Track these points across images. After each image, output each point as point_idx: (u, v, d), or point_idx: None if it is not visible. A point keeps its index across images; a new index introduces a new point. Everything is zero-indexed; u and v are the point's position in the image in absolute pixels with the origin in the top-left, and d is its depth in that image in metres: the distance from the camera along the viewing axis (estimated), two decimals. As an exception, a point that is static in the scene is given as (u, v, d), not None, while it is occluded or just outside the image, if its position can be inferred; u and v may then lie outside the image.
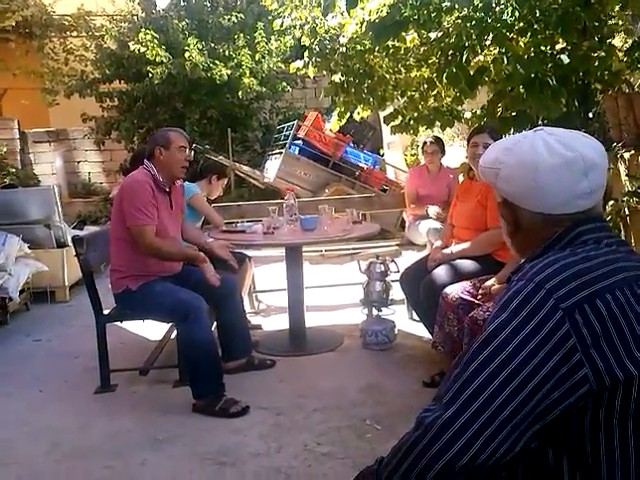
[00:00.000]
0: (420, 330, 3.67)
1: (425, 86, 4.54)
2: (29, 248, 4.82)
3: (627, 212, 3.48)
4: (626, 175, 3.50)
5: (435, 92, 4.52)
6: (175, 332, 3.15)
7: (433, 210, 4.46)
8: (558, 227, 1.03)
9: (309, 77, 5.53)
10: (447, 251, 3.29)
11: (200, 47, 8.60)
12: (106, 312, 3.18)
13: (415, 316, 3.82)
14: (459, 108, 4.52)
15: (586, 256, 0.96)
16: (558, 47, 3.74)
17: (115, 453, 2.52)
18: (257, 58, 9.04)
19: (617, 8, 3.75)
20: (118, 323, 3.38)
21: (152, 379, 3.29)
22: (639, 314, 0.90)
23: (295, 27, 5.00)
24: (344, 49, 4.58)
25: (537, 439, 0.89)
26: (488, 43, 3.89)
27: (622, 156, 3.53)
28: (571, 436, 0.89)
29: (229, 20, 9.10)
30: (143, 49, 8.43)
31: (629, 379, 0.86)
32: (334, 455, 2.42)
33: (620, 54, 3.82)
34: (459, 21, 3.73)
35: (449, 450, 0.86)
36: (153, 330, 3.82)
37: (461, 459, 0.85)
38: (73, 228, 5.93)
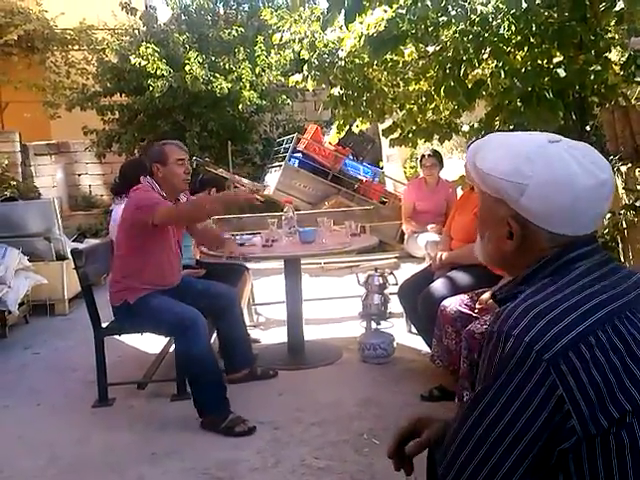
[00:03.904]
0: (418, 343, 3.66)
1: (423, 99, 4.56)
2: (29, 261, 4.82)
3: (624, 225, 3.49)
4: (623, 188, 3.51)
5: (433, 105, 4.53)
6: (173, 345, 3.15)
7: (431, 227, 4.46)
8: (554, 250, 0.97)
9: (309, 90, 5.56)
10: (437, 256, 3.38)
11: (200, 60, 8.67)
12: (105, 325, 3.18)
13: (414, 329, 3.81)
14: (457, 121, 4.54)
15: (563, 296, 0.91)
16: (555, 61, 3.75)
17: (112, 467, 2.51)
18: (257, 71, 9.11)
19: (613, 23, 3.78)
20: (117, 336, 3.38)
21: (150, 393, 3.28)
22: (622, 353, 0.87)
23: (294, 41, 5.04)
24: (343, 63, 4.61)
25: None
26: (485, 57, 3.90)
27: (619, 169, 3.54)
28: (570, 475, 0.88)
29: (229, 34, 9.19)
30: (144, 62, 8.50)
31: (611, 423, 0.84)
32: (331, 470, 2.41)
33: (616, 68, 3.84)
34: (456, 35, 3.75)
35: None
36: (151, 343, 3.82)
37: None
38: (73, 241, 5.94)
